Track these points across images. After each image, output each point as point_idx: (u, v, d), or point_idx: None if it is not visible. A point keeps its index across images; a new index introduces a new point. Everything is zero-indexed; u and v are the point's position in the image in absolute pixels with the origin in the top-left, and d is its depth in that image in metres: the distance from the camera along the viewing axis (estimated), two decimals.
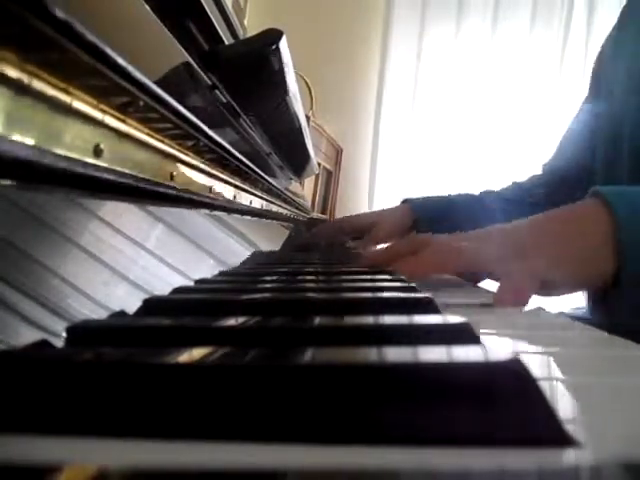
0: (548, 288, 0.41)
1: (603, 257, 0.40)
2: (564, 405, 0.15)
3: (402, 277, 0.40)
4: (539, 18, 2.41)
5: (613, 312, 0.50)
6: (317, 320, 0.22)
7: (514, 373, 0.13)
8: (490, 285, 0.47)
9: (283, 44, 0.46)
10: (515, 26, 2.43)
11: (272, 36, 0.46)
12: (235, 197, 0.50)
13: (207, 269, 0.44)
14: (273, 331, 0.21)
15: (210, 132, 0.34)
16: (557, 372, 0.19)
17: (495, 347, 0.15)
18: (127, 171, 0.25)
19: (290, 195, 0.88)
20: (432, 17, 2.47)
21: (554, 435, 0.12)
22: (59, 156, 0.19)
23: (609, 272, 0.40)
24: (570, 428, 0.12)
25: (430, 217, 0.87)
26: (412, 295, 0.30)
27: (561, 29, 2.40)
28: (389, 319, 0.22)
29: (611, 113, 0.69)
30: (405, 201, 0.93)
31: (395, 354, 0.15)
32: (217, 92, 0.45)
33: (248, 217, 0.62)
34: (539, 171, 0.96)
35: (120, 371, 0.14)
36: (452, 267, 0.46)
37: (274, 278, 0.43)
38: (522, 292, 0.39)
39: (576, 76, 2.29)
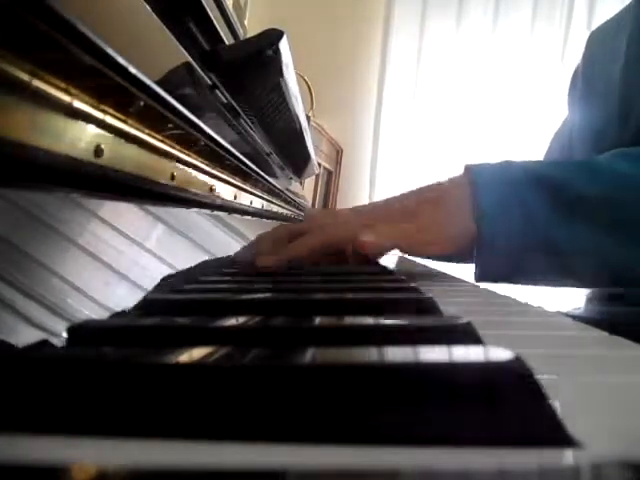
0: (418, 248, 0.48)
1: (463, 220, 0.45)
2: (565, 405, 0.15)
3: (402, 277, 0.40)
4: (540, 13, 2.41)
5: (613, 311, 0.51)
6: (317, 320, 0.22)
7: (515, 373, 0.13)
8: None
9: (283, 44, 0.46)
10: (516, 21, 2.43)
11: (272, 36, 0.46)
12: (235, 197, 0.50)
13: (207, 269, 0.44)
14: (273, 331, 0.21)
15: (211, 132, 0.34)
16: (557, 372, 0.19)
17: (496, 347, 0.15)
18: (127, 171, 0.25)
19: (290, 195, 0.88)
20: (432, 14, 2.47)
21: (554, 435, 0.12)
22: (59, 156, 0.19)
23: (470, 233, 0.45)
24: (570, 428, 0.12)
25: None
26: (412, 295, 0.30)
27: (562, 25, 2.40)
28: (390, 319, 0.22)
29: (589, 127, 0.70)
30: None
31: (396, 354, 0.15)
32: (217, 92, 0.45)
33: (248, 217, 0.62)
34: None
35: (121, 371, 0.14)
36: (332, 245, 0.49)
37: (274, 278, 0.43)
38: (376, 245, 0.45)
39: None
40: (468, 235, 0.46)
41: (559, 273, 0.46)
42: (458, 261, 0.58)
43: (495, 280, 0.49)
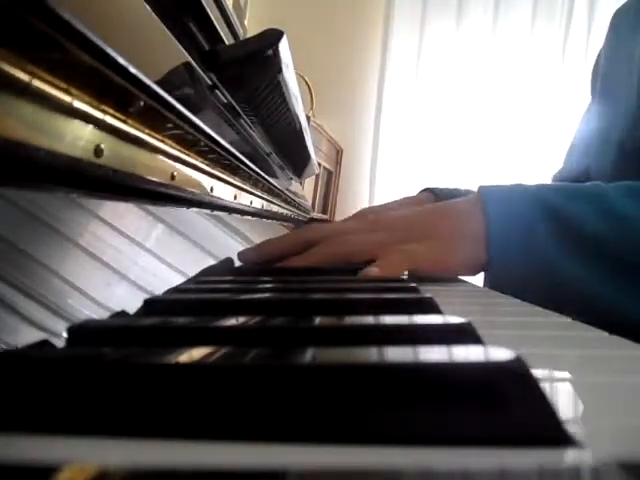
0: (427, 268, 0.48)
1: (475, 245, 0.47)
2: (564, 405, 0.15)
3: (402, 277, 0.40)
4: (540, 12, 2.41)
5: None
6: (318, 320, 0.22)
7: (515, 373, 0.13)
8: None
9: (283, 44, 0.46)
10: (516, 21, 2.43)
11: (272, 36, 0.46)
12: (235, 197, 0.50)
13: (207, 269, 0.44)
14: (273, 331, 0.21)
15: (211, 132, 0.34)
16: (557, 372, 0.19)
17: (496, 347, 0.15)
18: (127, 171, 0.25)
19: (290, 195, 0.88)
20: (432, 14, 2.47)
21: (554, 435, 0.12)
22: (59, 156, 0.19)
23: (482, 259, 0.47)
24: (570, 428, 0.12)
25: None
26: (412, 295, 0.30)
27: (562, 24, 2.40)
28: (390, 319, 0.22)
29: (603, 120, 0.71)
30: (427, 190, 0.89)
31: (396, 354, 0.15)
32: (217, 92, 0.45)
33: (248, 217, 0.62)
34: (549, 181, 0.96)
35: (121, 371, 0.14)
36: (343, 259, 0.50)
37: (274, 278, 0.43)
38: (394, 268, 0.45)
39: (578, 71, 2.29)
40: (480, 263, 0.48)
41: (556, 302, 0.47)
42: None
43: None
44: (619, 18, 0.76)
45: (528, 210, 0.47)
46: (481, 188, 0.51)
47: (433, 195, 0.85)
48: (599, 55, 0.79)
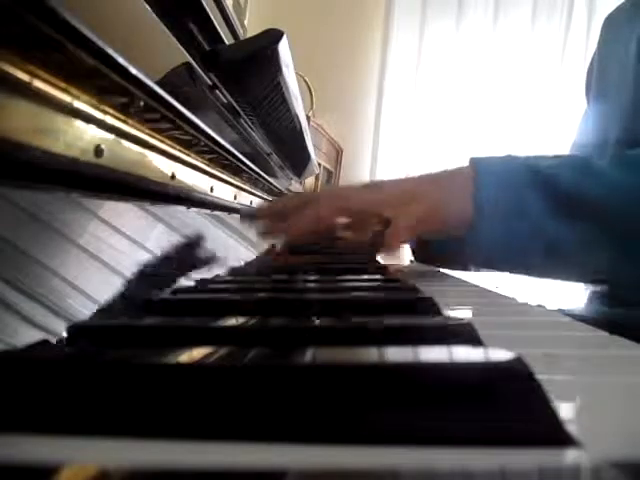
0: (424, 228, 0.52)
1: (463, 205, 0.51)
2: (564, 405, 0.15)
3: (402, 277, 0.40)
4: (540, 12, 2.41)
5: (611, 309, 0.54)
6: (318, 320, 0.22)
7: (515, 373, 0.13)
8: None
9: (283, 44, 0.46)
10: (516, 20, 2.42)
11: (272, 36, 0.46)
12: (236, 197, 0.50)
13: (207, 269, 0.44)
14: (273, 331, 0.21)
15: (211, 132, 0.34)
16: (558, 372, 0.19)
17: (496, 347, 0.15)
18: (127, 171, 0.25)
19: None
20: (432, 14, 2.47)
21: (555, 435, 0.12)
22: (59, 156, 0.19)
23: (468, 217, 0.50)
24: (570, 428, 0.12)
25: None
26: (412, 295, 0.30)
27: (562, 24, 2.39)
28: (390, 319, 0.22)
29: (599, 122, 0.73)
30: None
31: (396, 354, 0.15)
32: (217, 92, 0.45)
33: None
34: None
35: (120, 371, 0.14)
36: (343, 212, 0.53)
37: (274, 278, 0.43)
38: (403, 235, 0.50)
39: (577, 71, 2.28)
40: (467, 219, 0.51)
41: (543, 262, 0.51)
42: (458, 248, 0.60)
43: (484, 264, 0.54)
44: (612, 20, 0.77)
45: (514, 173, 0.51)
46: (473, 157, 0.55)
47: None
48: (593, 58, 0.80)
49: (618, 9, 0.76)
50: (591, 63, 0.81)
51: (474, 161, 0.54)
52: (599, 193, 0.48)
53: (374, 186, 0.56)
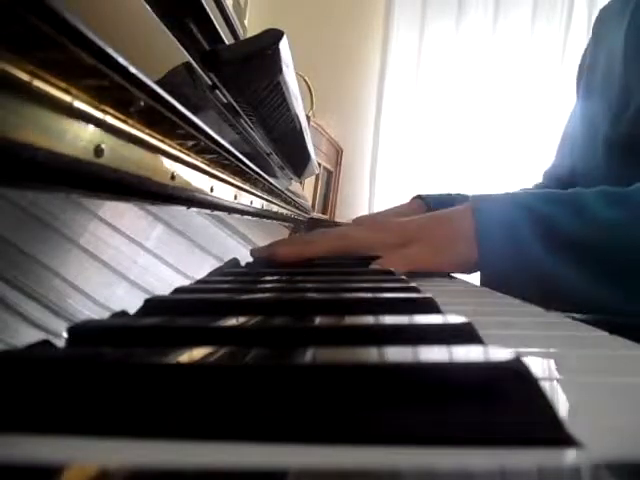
0: (421, 269, 0.54)
1: (465, 247, 0.53)
2: (565, 405, 0.15)
3: (402, 277, 0.40)
4: (540, 13, 2.41)
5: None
6: (317, 320, 0.22)
7: (515, 373, 0.13)
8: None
9: (284, 44, 0.46)
10: (516, 20, 2.42)
11: (273, 36, 0.46)
12: (236, 197, 0.50)
13: (207, 269, 0.44)
14: (274, 331, 0.21)
15: (211, 132, 0.34)
16: (558, 372, 0.19)
17: (496, 347, 0.15)
18: (127, 171, 0.25)
19: (291, 195, 0.88)
20: (432, 14, 2.47)
21: (554, 435, 0.12)
22: (59, 156, 0.19)
23: (472, 258, 0.53)
24: (570, 428, 0.12)
25: None
26: (412, 295, 0.30)
27: (562, 24, 2.39)
28: (390, 319, 0.22)
29: (588, 115, 0.74)
30: (418, 197, 0.91)
31: (396, 354, 0.15)
32: (217, 92, 0.45)
33: (248, 217, 0.62)
34: (541, 177, 0.98)
35: (121, 371, 0.14)
36: (346, 250, 0.56)
37: (274, 278, 0.43)
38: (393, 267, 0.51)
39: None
40: (471, 262, 0.54)
41: (540, 293, 0.52)
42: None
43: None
44: (603, 17, 0.78)
45: (512, 214, 0.53)
46: (471, 197, 0.57)
47: (424, 203, 0.88)
48: (584, 55, 0.81)
49: (609, 4, 0.77)
50: (582, 58, 0.82)
51: (473, 209, 0.55)
52: (590, 231, 0.50)
53: (375, 225, 0.59)
